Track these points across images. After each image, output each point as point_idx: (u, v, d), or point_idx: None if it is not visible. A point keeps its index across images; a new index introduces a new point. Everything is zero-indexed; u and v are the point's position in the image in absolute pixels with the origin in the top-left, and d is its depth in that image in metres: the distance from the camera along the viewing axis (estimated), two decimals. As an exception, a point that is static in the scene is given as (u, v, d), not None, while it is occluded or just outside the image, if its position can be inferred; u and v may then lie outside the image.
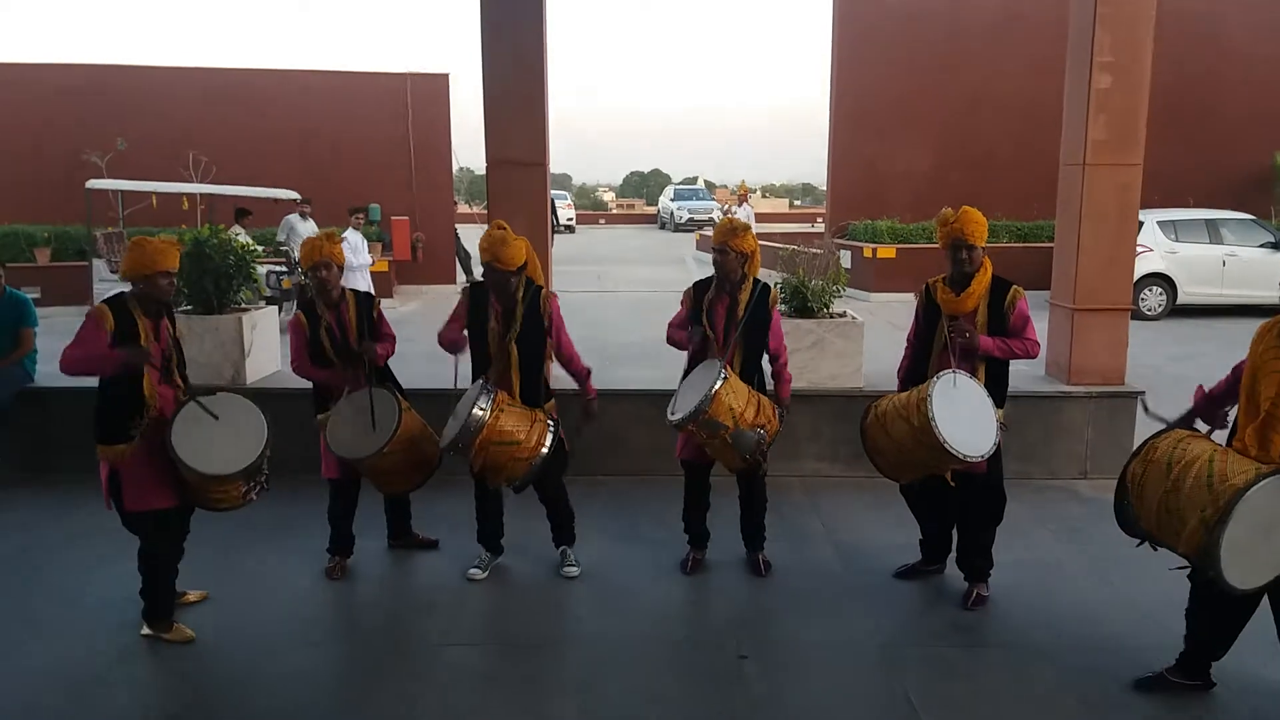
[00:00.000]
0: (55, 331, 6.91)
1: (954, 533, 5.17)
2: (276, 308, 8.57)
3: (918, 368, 4.96)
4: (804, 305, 7.23)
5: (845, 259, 15.96)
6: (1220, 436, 3.95)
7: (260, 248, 13.87)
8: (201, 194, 15.01)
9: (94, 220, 14.02)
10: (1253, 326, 3.92)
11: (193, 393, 4.51)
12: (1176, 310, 14.60)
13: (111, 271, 12.91)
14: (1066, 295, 7.33)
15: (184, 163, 16.78)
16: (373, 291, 11.11)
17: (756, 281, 5.13)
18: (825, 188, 21.12)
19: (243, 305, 7.66)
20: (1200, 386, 4.14)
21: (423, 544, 5.71)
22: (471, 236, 12.59)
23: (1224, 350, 3.96)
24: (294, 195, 14.91)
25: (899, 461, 4.82)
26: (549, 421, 5.01)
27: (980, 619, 4.82)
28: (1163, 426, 4.06)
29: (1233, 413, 3.96)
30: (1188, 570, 3.84)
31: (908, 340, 5.15)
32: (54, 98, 17.42)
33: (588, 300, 15.25)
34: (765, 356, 5.16)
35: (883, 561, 5.45)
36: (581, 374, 5.31)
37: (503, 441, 4.81)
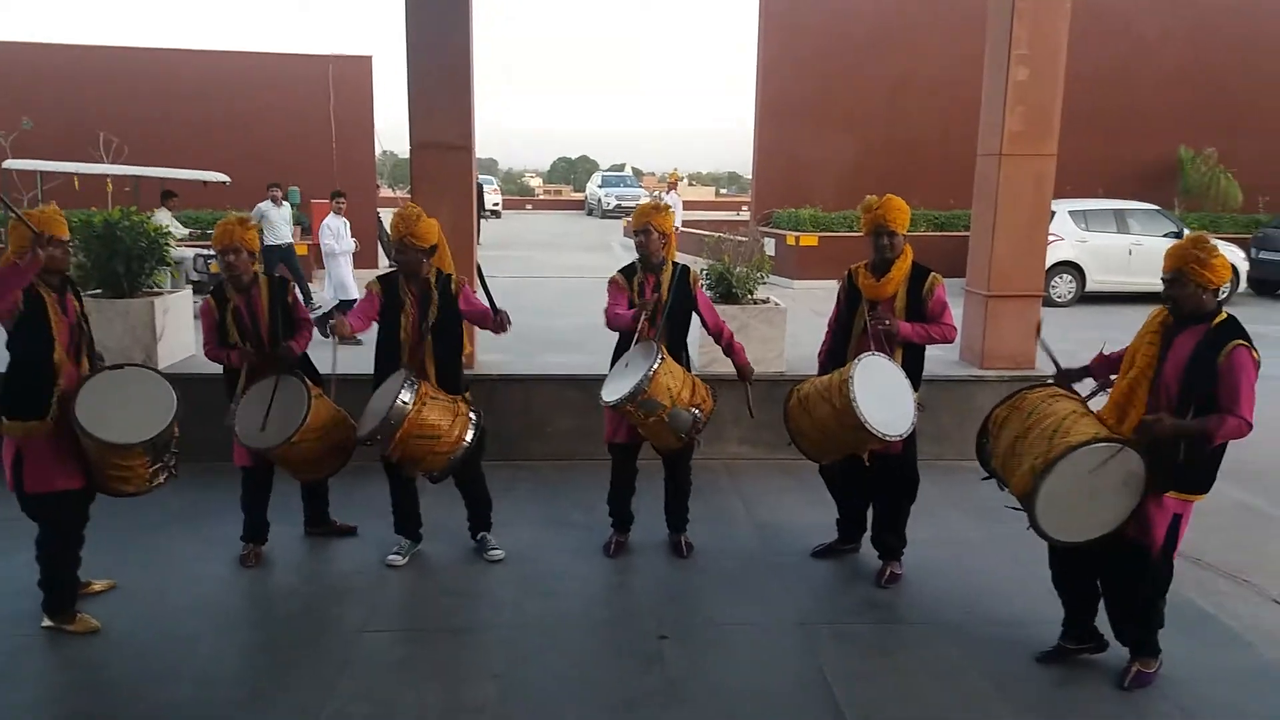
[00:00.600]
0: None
1: (869, 512, 5.29)
2: (193, 292, 8.33)
3: (838, 351, 5.07)
4: (729, 291, 7.33)
5: (769, 246, 16.08)
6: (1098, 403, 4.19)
7: (187, 230, 13.50)
8: (128, 175, 14.43)
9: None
10: (1154, 313, 4.09)
11: (99, 368, 4.40)
12: (1085, 297, 15.10)
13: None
14: (981, 282, 7.53)
15: (94, 143, 16.19)
16: (348, 283, 10.93)
17: (675, 264, 5.18)
18: (750, 176, 21.29)
19: (156, 289, 7.45)
20: (1102, 350, 4.34)
21: (340, 531, 5.63)
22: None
23: (1130, 336, 4.14)
24: (223, 178, 14.46)
25: (820, 442, 4.92)
26: (471, 413, 4.97)
27: (893, 596, 4.95)
28: (1051, 367, 4.40)
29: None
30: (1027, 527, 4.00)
31: (829, 324, 5.24)
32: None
33: (515, 285, 15.13)
34: (693, 339, 5.20)
35: (801, 541, 5.56)
36: (487, 313, 5.09)
37: (424, 435, 4.76)
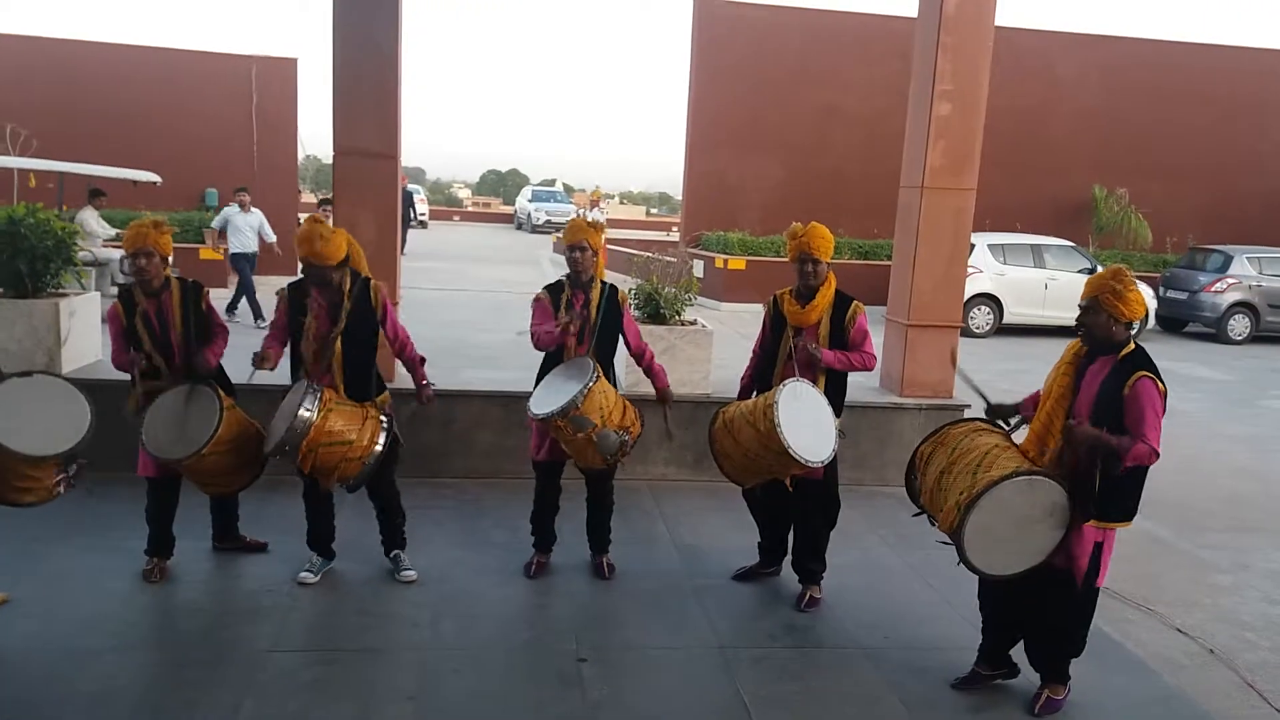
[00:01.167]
0: None
1: (790, 536, 5.32)
2: (100, 295, 8.01)
3: (763, 376, 5.11)
4: (657, 311, 7.33)
5: (698, 268, 16.22)
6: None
7: (114, 231, 12.95)
8: (51, 171, 13.75)
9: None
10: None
11: (4, 375, 4.22)
12: (1002, 329, 15.55)
13: None
14: (901, 311, 7.67)
15: (1, 134, 15.52)
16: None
17: (604, 283, 5.17)
18: (681, 198, 21.44)
19: (61, 290, 7.15)
20: (1037, 391, 4.41)
21: (250, 546, 5.44)
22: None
23: (1046, 367, 4.25)
24: (154, 178, 13.94)
25: (744, 466, 4.94)
26: (381, 418, 4.88)
27: (813, 620, 4.98)
28: (972, 396, 4.45)
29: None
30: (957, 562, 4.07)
31: (754, 350, 5.28)
32: None
33: (440, 299, 14.94)
34: (620, 358, 5.18)
35: (723, 564, 5.56)
36: (414, 361, 5.16)
37: (333, 442, 4.66)
